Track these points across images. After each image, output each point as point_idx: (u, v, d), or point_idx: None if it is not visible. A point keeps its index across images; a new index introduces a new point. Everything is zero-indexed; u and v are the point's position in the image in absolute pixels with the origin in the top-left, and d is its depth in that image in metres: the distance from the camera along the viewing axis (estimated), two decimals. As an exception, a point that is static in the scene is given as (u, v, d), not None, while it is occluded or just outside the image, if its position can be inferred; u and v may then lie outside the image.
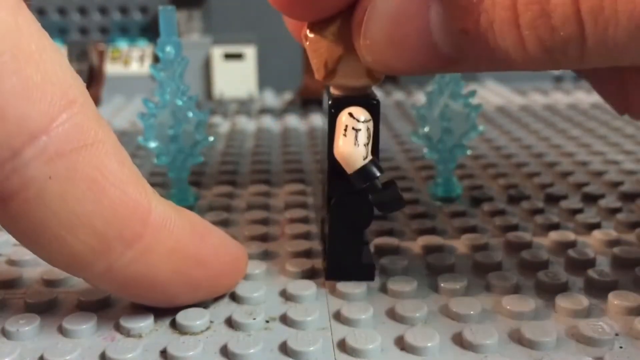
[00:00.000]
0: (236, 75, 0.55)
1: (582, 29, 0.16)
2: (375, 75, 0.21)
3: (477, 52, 0.18)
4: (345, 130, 0.20)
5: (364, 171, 0.20)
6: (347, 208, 0.22)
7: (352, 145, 0.20)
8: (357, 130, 0.20)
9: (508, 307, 0.21)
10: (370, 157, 0.20)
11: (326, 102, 0.22)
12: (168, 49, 0.28)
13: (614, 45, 0.16)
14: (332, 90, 0.21)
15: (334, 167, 0.21)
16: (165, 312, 0.21)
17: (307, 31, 0.20)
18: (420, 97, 0.55)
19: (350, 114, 0.20)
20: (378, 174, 0.20)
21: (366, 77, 0.20)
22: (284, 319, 0.20)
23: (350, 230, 0.22)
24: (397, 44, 0.18)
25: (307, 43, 0.20)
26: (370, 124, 0.20)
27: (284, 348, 0.19)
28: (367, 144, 0.20)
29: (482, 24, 0.17)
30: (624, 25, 0.16)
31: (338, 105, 0.21)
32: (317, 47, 0.20)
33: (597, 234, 0.26)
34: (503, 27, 0.17)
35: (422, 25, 0.18)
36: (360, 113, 0.20)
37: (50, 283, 0.23)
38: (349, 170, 0.20)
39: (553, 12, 0.16)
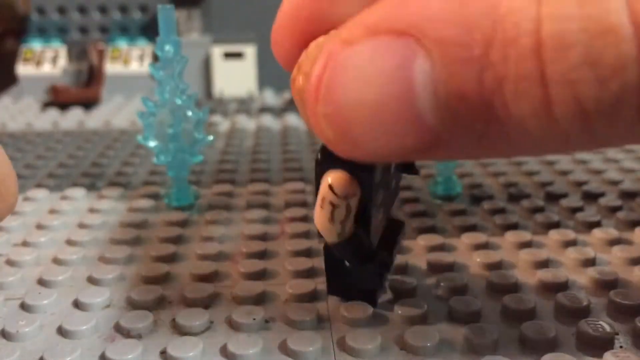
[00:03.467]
0: (236, 74, 0.55)
1: None
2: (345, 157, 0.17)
3: (476, 128, 0.13)
4: (323, 201, 0.17)
5: (338, 247, 0.18)
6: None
7: (326, 220, 0.17)
8: (334, 206, 0.17)
9: (508, 306, 0.20)
10: (347, 234, 0.18)
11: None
12: (167, 47, 0.28)
13: None
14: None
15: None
16: (165, 312, 0.21)
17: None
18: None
19: (331, 187, 0.17)
20: (350, 254, 0.19)
21: None
22: (284, 319, 0.20)
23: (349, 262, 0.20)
24: (369, 114, 0.13)
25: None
26: (353, 200, 0.17)
27: (284, 348, 0.19)
28: (344, 221, 0.17)
29: (486, 83, 0.12)
30: None
31: (324, 164, 0.17)
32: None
33: (597, 232, 0.26)
34: (519, 85, 0.12)
35: (403, 88, 0.13)
36: (343, 186, 0.17)
37: (49, 283, 0.23)
38: (327, 241, 0.18)
39: (603, 56, 0.11)
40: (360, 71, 0.13)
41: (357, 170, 0.17)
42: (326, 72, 0.14)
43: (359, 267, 0.20)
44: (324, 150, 0.17)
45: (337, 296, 0.22)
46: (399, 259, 0.24)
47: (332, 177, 0.17)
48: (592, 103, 0.11)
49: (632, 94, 0.11)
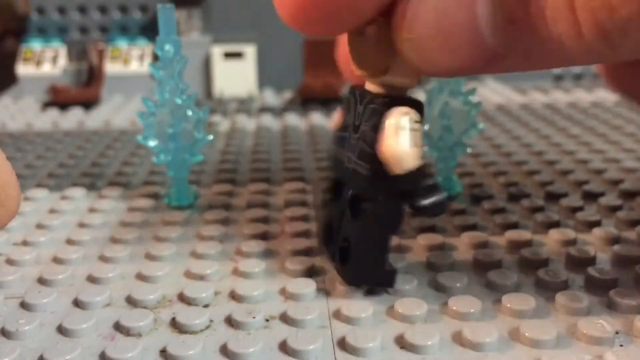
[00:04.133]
0: (236, 74, 0.55)
1: None
2: (422, 74, 0.20)
3: (526, 44, 0.17)
4: (399, 130, 0.19)
5: (418, 172, 0.19)
6: (383, 212, 0.21)
7: (408, 146, 0.19)
8: (414, 131, 0.19)
9: (508, 306, 0.20)
10: (423, 161, 0.19)
11: (352, 99, 0.21)
12: (167, 47, 0.28)
13: None
14: (371, 88, 0.20)
15: (377, 169, 0.20)
16: (165, 311, 0.21)
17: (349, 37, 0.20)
18: (419, 96, 0.55)
19: (408, 114, 0.19)
20: (423, 179, 0.20)
21: (416, 76, 0.20)
22: (284, 318, 0.20)
23: (381, 235, 0.21)
24: (443, 38, 0.17)
25: (351, 48, 0.20)
26: (417, 125, 0.19)
27: (283, 347, 0.19)
28: (414, 145, 0.19)
29: (532, 10, 0.16)
30: None
31: (390, 104, 0.20)
32: (364, 49, 0.19)
33: (597, 231, 0.26)
34: (556, 11, 0.16)
35: (469, 17, 0.17)
36: (415, 114, 0.20)
37: (49, 282, 0.23)
38: (399, 169, 0.19)
39: None
40: (435, 3, 0.17)
41: (416, 107, 0.20)
42: (409, 8, 0.18)
43: (426, 195, 0.20)
44: (388, 96, 0.20)
45: (357, 285, 0.22)
46: (399, 259, 0.24)
47: (405, 109, 0.19)
48: (608, 24, 0.15)
49: (637, 17, 0.15)
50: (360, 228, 0.21)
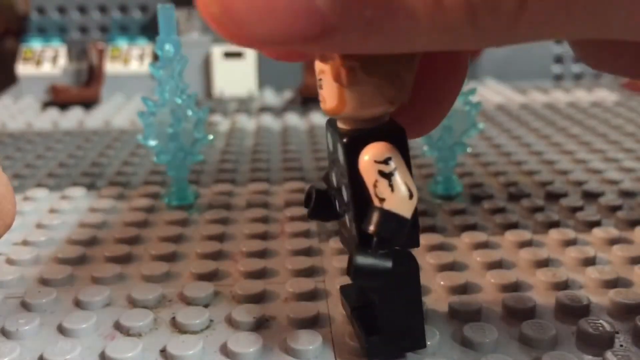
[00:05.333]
0: (236, 74, 0.55)
1: None
2: (393, 97, 0.16)
3: (366, 14, 0.12)
4: (376, 182, 0.16)
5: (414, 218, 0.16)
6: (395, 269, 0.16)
7: (390, 191, 0.16)
8: (390, 175, 0.16)
9: (508, 305, 0.20)
10: (414, 196, 0.16)
11: (332, 139, 0.18)
12: (167, 47, 0.28)
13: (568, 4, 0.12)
14: (341, 125, 0.17)
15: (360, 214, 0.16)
16: (165, 310, 0.21)
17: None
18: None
19: (374, 160, 0.16)
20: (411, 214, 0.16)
21: (382, 101, 0.16)
22: (284, 318, 0.20)
23: (408, 290, 0.18)
24: None
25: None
26: (398, 157, 0.16)
27: (284, 346, 0.19)
28: (408, 178, 0.16)
29: None
30: None
31: (354, 145, 0.16)
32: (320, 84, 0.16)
33: (597, 231, 0.26)
34: None
35: None
36: (383, 152, 0.16)
37: (49, 282, 0.23)
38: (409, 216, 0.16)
39: None
40: None
41: (388, 137, 0.16)
42: None
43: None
44: (349, 136, 0.16)
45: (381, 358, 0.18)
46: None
47: (370, 151, 0.16)
48: None
49: None
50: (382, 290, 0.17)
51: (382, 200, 0.16)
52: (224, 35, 0.14)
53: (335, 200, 0.19)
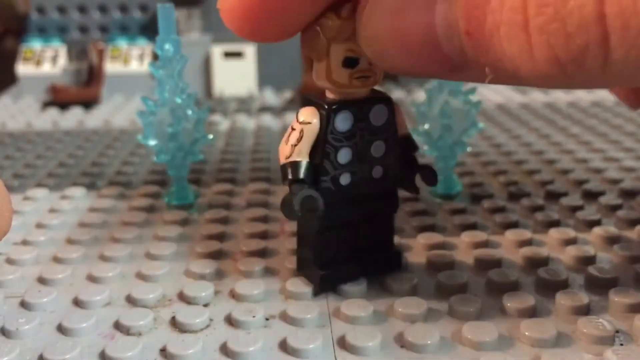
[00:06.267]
0: (236, 74, 0.55)
1: (606, 36, 0.14)
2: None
3: (481, 59, 0.16)
4: (289, 128, 0.21)
5: (282, 169, 0.20)
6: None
7: (283, 141, 0.20)
8: (292, 129, 0.20)
9: (508, 304, 0.20)
10: (294, 159, 0.20)
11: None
12: (167, 46, 0.28)
13: None
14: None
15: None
16: (165, 310, 0.21)
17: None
18: (420, 95, 0.55)
19: (296, 113, 0.20)
20: (290, 177, 0.20)
21: (326, 79, 0.20)
22: (284, 317, 0.20)
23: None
24: (399, 39, 0.17)
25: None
26: (308, 127, 0.20)
27: (283, 346, 0.19)
28: (296, 145, 0.20)
29: (487, 26, 0.15)
30: None
31: (303, 103, 0.21)
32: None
33: (597, 231, 0.26)
34: (510, 31, 0.15)
35: (427, 21, 0.16)
36: (304, 114, 0.20)
37: (49, 282, 0.23)
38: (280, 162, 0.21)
39: (569, 16, 0.14)
40: (393, 5, 0.17)
41: (318, 108, 0.20)
42: (368, 4, 0.18)
43: (292, 195, 0.20)
44: (306, 97, 0.21)
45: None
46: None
47: (303, 108, 0.21)
48: (562, 51, 0.14)
49: (595, 48, 0.14)
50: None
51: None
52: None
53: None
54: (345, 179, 0.21)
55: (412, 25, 0.17)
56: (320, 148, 0.20)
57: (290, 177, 0.20)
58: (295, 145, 0.20)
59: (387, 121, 0.21)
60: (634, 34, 0.13)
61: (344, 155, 0.21)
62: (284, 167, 0.20)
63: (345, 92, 0.20)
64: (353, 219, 0.22)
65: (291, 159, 0.20)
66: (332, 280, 0.22)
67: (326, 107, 0.20)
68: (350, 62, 0.20)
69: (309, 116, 0.20)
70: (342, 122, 0.20)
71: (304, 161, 0.20)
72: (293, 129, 0.20)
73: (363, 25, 0.18)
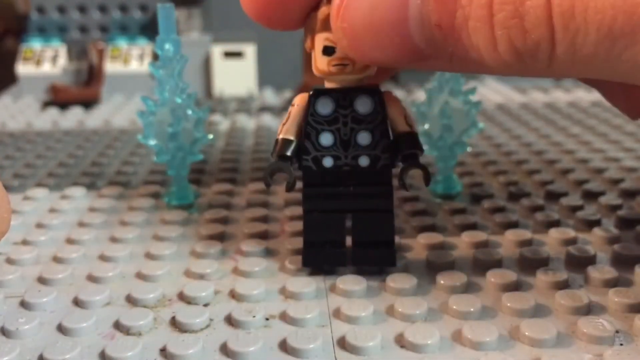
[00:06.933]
0: (236, 74, 0.55)
1: (552, 33, 0.16)
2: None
3: (450, 49, 0.18)
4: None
5: (274, 145, 0.23)
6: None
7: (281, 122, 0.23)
8: (286, 111, 0.23)
9: (508, 305, 0.20)
10: (281, 136, 0.22)
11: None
12: (167, 46, 0.28)
13: (581, 55, 0.16)
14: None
15: None
16: (165, 309, 0.21)
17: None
18: (420, 95, 0.55)
19: (296, 98, 0.23)
20: (276, 152, 0.22)
21: (314, 67, 0.22)
22: (284, 317, 0.20)
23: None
24: (374, 31, 0.18)
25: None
26: (295, 109, 0.23)
27: (283, 346, 0.19)
28: (284, 124, 0.23)
29: (457, 19, 0.17)
30: (592, 36, 0.16)
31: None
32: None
33: (597, 231, 0.26)
34: (477, 24, 0.17)
35: (400, 15, 0.18)
36: (297, 98, 0.23)
37: (49, 281, 0.23)
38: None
39: (526, 14, 0.16)
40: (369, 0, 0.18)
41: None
42: None
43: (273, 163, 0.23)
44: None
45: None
46: (400, 258, 0.24)
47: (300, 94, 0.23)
48: (521, 44, 0.17)
49: (544, 43, 0.16)
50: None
51: None
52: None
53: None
54: (328, 162, 0.22)
55: (386, 19, 0.18)
56: (303, 129, 0.22)
57: (276, 152, 0.22)
58: (284, 124, 0.22)
59: (374, 111, 0.22)
60: (572, 34, 0.16)
61: (325, 138, 0.22)
62: (275, 144, 0.22)
63: (332, 79, 0.22)
64: (340, 204, 0.23)
65: (280, 137, 0.22)
66: (316, 258, 0.23)
67: (312, 92, 0.22)
68: (328, 50, 0.21)
69: (298, 99, 0.23)
70: (322, 106, 0.22)
71: (290, 138, 0.22)
72: (287, 110, 0.23)
73: (341, 17, 0.19)
